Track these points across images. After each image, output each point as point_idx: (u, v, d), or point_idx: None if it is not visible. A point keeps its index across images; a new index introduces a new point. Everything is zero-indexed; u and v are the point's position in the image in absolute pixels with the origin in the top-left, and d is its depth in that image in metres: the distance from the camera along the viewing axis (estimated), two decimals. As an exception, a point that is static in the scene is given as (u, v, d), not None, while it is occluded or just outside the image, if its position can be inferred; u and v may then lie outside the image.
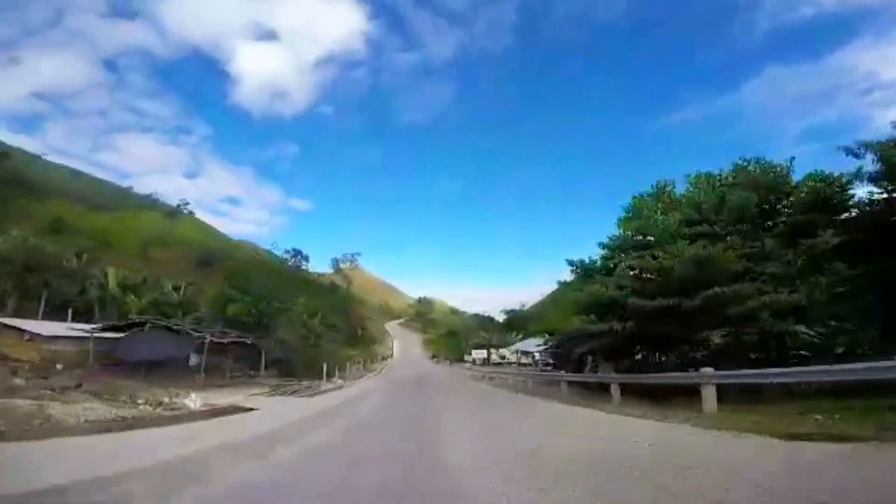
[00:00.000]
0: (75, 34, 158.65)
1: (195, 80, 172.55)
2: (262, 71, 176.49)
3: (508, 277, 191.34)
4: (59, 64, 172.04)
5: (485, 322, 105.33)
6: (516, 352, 51.93)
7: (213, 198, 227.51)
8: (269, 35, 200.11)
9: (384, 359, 70.62)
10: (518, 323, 69.68)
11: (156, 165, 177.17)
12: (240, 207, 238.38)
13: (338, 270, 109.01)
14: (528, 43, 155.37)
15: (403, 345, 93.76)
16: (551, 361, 32.06)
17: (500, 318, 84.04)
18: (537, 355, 39.21)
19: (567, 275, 24.04)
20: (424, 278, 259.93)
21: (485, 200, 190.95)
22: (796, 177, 16.13)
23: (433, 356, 75.23)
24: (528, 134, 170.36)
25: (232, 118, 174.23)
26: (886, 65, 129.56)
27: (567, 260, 22.18)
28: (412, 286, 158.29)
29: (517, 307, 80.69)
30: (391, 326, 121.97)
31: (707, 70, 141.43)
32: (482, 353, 56.86)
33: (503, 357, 53.62)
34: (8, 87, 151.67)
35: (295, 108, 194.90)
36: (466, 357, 59.33)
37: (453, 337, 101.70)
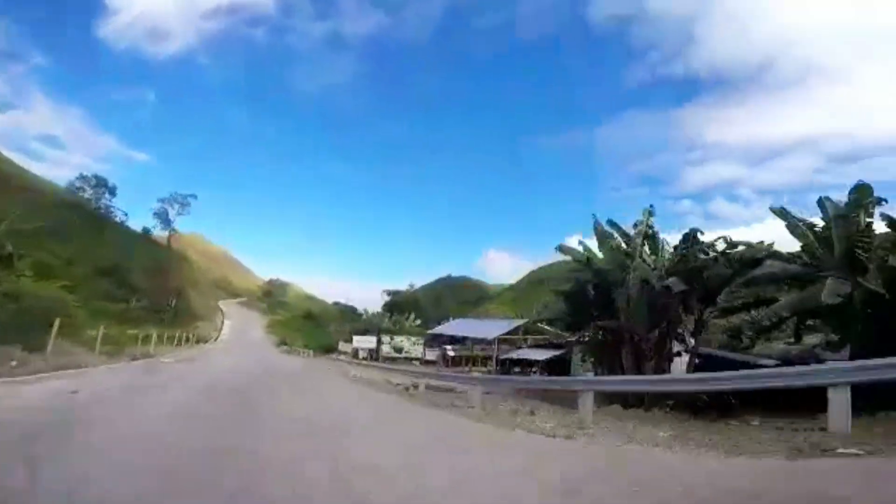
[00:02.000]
0: None
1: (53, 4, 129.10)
2: (146, 8, 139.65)
3: (375, 273, 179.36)
4: None
5: (347, 312, 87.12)
6: (420, 343, 36.37)
7: (26, 134, 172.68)
8: None
9: (200, 342, 47.62)
10: (406, 308, 53.05)
11: None
12: (61, 151, 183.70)
13: (162, 218, 78.51)
14: (447, 44, 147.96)
15: (240, 326, 69.55)
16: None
17: (381, 299, 66.33)
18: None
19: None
20: (281, 261, 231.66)
21: (367, 192, 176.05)
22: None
23: (283, 342, 54.02)
24: (423, 139, 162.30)
25: (81, 51, 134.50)
26: (708, 128, 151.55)
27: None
28: (265, 267, 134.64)
29: (405, 288, 64.54)
30: (228, 304, 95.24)
31: (585, 103, 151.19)
32: (369, 342, 39.31)
33: (400, 350, 37.16)
34: None
35: (167, 53, 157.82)
36: (343, 345, 41.01)
37: (311, 320, 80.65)
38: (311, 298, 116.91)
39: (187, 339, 42.85)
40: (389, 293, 64.75)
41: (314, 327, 73.88)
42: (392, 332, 42.15)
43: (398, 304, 56.24)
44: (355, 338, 41.36)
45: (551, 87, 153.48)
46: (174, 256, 77.01)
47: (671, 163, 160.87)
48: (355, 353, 36.52)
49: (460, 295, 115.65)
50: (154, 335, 30.89)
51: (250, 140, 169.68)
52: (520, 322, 40.12)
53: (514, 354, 33.96)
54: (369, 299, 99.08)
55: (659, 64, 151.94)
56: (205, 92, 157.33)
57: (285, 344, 51.45)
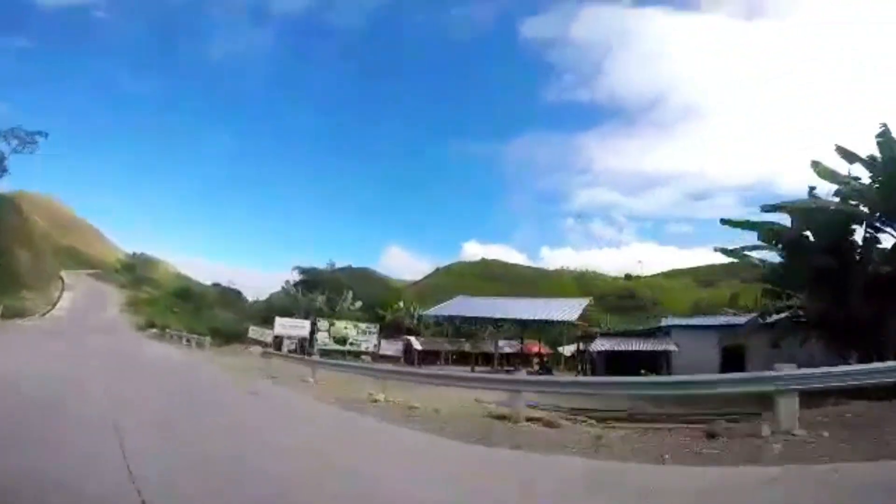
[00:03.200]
0: None
1: None
2: None
3: (262, 261, 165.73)
4: None
5: (231, 296, 72.91)
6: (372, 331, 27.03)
7: None
8: None
9: (15, 317, 32.76)
10: (328, 290, 42.13)
11: None
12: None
13: None
14: (375, 36, 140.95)
15: (87, 301, 52.49)
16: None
17: (288, 277, 54.21)
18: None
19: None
20: (150, 235, 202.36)
21: (259, 174, 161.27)
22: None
23: (151, 325, 39.44)
24: (329, 128, 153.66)
25: None
26: (596, 154, 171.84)
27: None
28: (126, 238, 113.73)
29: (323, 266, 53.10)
30: (77, 275, 75.12)
31: (497, 116, 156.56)
32: (299, 327, 28.45)
33: (344, 340, 27.23)
34: None
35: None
36: (254, 331, 28.94)
37: (187, 300, 64.95)
38: (184, 278, 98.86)
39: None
40: (302, 270, 53.02)
41: (195, 308, 59.07)
42: (330, 317, 32.29)
43: (316, 285, 45.09)
44: (279, 321, 29.01)
45: (469, 94, 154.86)
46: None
47: (564, 182, 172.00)
48: (278, 344, 25.52)
49: (364, 286, 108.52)
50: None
51: (132, 101, 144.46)
52: (585, 301, 32.41)
53: (600, 346, 26.57)
54: (256, 286, 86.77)
55: (570, 88, 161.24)
56: (92, 46, 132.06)
57: (154, 327, 37.69)
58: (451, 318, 33.68)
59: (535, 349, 38.47)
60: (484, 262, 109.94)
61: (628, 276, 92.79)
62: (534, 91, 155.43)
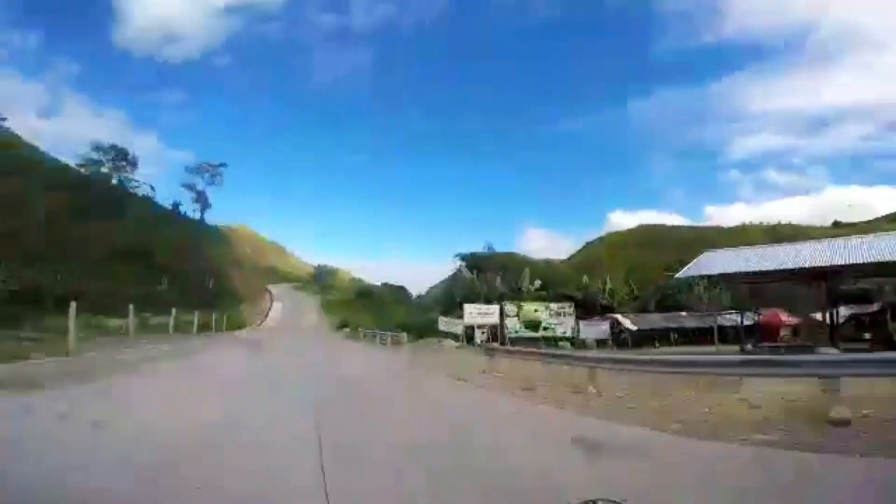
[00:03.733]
0: None
1: (72, 9, 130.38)
2: (158, 11, 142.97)
3: (412, 255, 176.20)
4: None
5: (397, 292, 74.97)
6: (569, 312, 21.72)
7: (75, 141, 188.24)
8: None
9: (239, 328, 36.06)
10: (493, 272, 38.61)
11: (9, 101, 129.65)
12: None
13: (192, 189, 67.47)
14: (456, 30, 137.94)
15: (292, 307, 58.27)
16: None
17: (452, 265, 52.36)
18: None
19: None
20: (324, 248, 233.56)
21: (391, 175, 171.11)
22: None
23: (343, 325, 41.35)
24: (441, 120, 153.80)
25: (108, 56, 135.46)
26: (749, 99, 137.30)
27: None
28: (310, 254, 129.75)
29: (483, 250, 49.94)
30: (279, 288, 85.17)
31: (607, 80, 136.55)
32: (487, 314, 24.25)
33: (536, 325, 22.44)
34: None
35: (187, 53, 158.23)
36: (443, 325, 25.54)
37: (367, 298, 68.56)
38: (358, 281, 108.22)
39: (206, 326, 31.10)
40: (462, 256, 50.35)
41: (375, 306, 61.76)
42: (513, 300, 26.60)
43: (481, 269, 41.90)
44: (468, 308, 24.26)
45: (572, 66, 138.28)
46: (212, 234, 66.44)
47: (715, 134, 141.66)
48: (468, 336, 22.63)
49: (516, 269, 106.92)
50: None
51: (282, 134, 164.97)
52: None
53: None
54: (415, 280, 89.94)
55: (686, 37, 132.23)
56: (228, 90, 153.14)
57: (346, 326, 38.84)
58: (722, 278, 24.23)
59: (781, 319, 28.46)
60: (642, 228, 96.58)
61: (837, 224, 71.81)
62: (644, 48, 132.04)
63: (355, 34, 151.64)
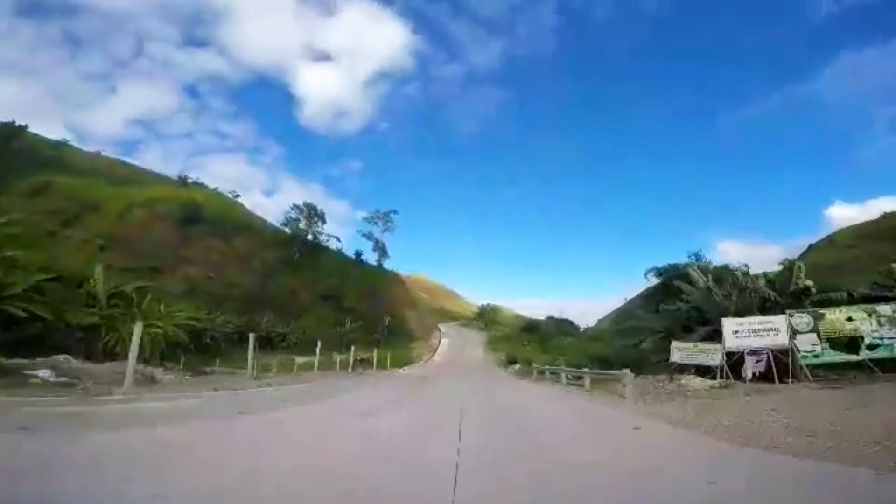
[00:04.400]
0: (157, 63, 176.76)
1: (266, 103, 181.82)
2: (321, 91, 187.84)
3: (575, 289, 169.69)
4: (149, 91, 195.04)
5: (564, 325, 70.50)
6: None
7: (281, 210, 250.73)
8: (323, 56, 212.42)
9: (405, 365, 36.73)
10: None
11: (238, 185, 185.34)
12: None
13: (368, 237, 75.56)
14: (573, 44, 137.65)
15: (458, 343, 58.99)
16: None
17: (618, 300, 46.63)
18: None
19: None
20: (488, 288, 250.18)
21: (545, 208, 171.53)
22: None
23: (512, 361, 38.85)
24: (584, 138, 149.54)
25: (300, 137, 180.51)
26: None
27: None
28: (475, 295, 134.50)
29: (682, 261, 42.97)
30: (447, 326, 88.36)
31: (772, 59, 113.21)
32: (766, 331, 14.42)
33: (862, 342, 14.16)
34: (110, 115, 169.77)
35: (355, 125, 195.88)
36: (680, 354, 18.06)
37: (533, 332, 65.81)
38: (521, 317, 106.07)
39: (360, 361, 32.24)
40: (659, 271, 44.24)
41: (541, 339, 58.65)
42: (789, 307, 16.10)
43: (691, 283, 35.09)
44: (730, 324, 15.25)
45: (721, 48, 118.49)
46: (388, 278, 72.70)
47: None
48: (732, 367, 14.48)
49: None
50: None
51: (433, 182, 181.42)
52: None
53: None
54: (580, 315, 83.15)
55: None
56: (391, 151, 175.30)
57: (515, 362, 36.59)
58: None
59: None
60: (890, 216, 73.15)
61: None
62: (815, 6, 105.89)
63: (480, 76, 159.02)
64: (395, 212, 76.94)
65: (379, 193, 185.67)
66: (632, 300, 72.06)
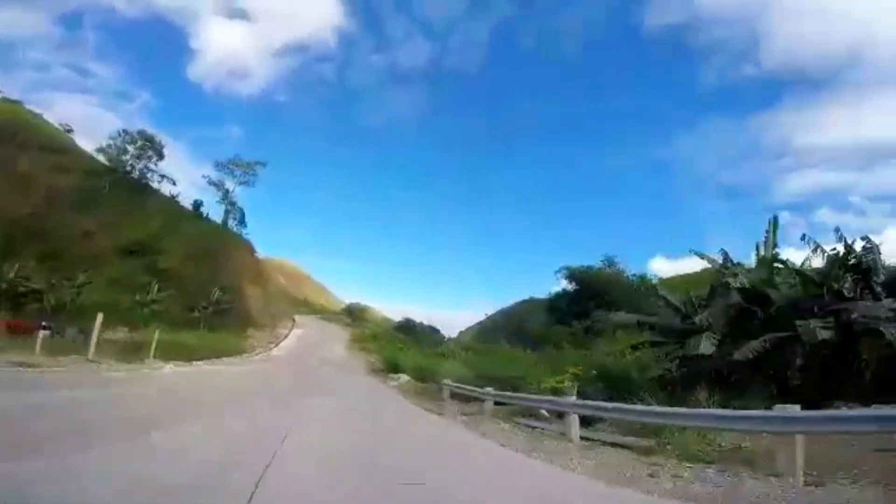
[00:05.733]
0: None
1: (151, 46, 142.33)
2: (224, 48, 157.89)
3: (441, 300, 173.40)
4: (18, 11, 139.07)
5: (431, 332, 62.92)
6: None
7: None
8: (240, 14, 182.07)
9: (225, 356, 23.08)
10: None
11: (83, 126, 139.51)
12: (168, 184, 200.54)
13: (218, 187, 57.30)
14: (499, 67, 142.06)
15: (313, 338, 45.27)
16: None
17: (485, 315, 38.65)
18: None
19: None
20: (358, 287, 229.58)
21: (431, 219, 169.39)
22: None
23: (393, 368, 24.54)
24: (487, 160, 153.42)
25: (178, 91, 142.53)
26: (799, 131, 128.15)
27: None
28: (344, 293, 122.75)
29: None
30: (305, 318, 73.50)
31: (650, 117, 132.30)
32: None
33: None
34: None
35: (250, 90, 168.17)
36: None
37: (409, 334, 55.56)
38: (390, 320, 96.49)
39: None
40: (569, 273, 37.08)
41: (416, 342, 48.19)
42: None
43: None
44: None
45: (610, 101, 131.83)
46: (232, 242, 55.43)
47: (758, 172, 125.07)
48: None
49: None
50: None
51: (324, 169, 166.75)
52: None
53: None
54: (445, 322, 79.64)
55: (727, 68, 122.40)
56: (284, 127, 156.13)
57: (398, 371, 23.87)
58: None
59: None
60: (700, 273, 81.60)
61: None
62: (682, 83, 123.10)
63: (402, 75, 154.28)
64: (262, 164, 60.56)
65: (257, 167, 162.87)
66: (491, 316, 73.84)
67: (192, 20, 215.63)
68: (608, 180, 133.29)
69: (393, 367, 24.52)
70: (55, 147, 53.71)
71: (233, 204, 57.79)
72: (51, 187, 47.16)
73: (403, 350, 34.24)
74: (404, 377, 20.94)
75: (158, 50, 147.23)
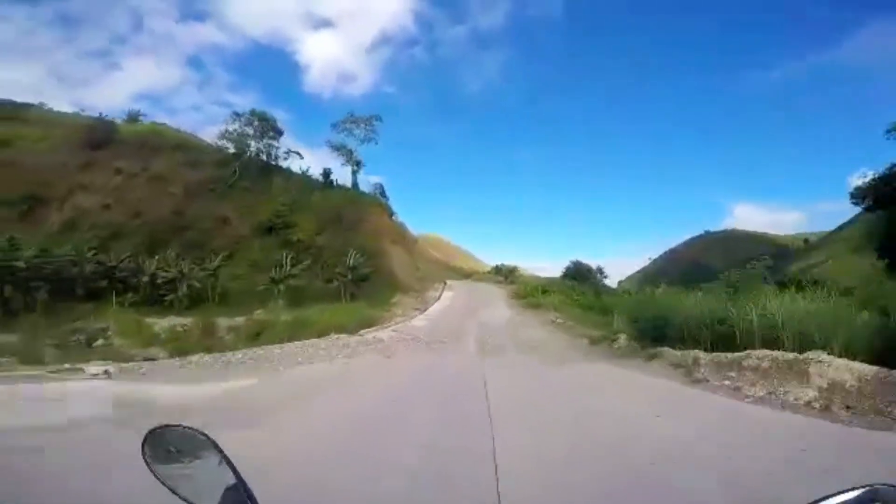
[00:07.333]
0: (158, 37, 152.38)
1: (270, 72, 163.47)
2: (325, 56, 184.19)
3: (584, 252, 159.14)
4: (152, 66, 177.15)
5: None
6: None
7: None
8: (324, 23, 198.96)
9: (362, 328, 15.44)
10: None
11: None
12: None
13: (341, 151, 51.77)
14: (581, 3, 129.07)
15: (467, 300, 36.79)
16: None
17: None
18: None
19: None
20: (502, 249, 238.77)
21: (554, 169, 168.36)
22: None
23: (662, 327, 12.31)
24: (595, 98, 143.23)
25: (307, 103, 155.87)
26: None
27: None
28: (488, 256, 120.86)
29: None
30: (458, 282, 66.85)
31: (798, 24, 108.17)
32: None
33: None
34: (114, 91, 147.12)
35: (361, 89, 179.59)
36: None
37: (583, 281, 44.70)
38: (538, 277, 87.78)
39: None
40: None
41: (595, 292, 36.92)
42: None
43: None
44: None
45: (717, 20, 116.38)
46: (363, 202, 49.96)
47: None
48: None
49: (735, 250, 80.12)
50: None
51: (441, 145, 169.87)
52: None
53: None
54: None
55: None
56: (399, 115, 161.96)
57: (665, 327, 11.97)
58: None
59: None
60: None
61: None
62: None
63: (489, 37, 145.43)
64: (378, 118, 53.85)
65: (386, 158, 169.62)
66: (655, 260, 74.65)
67: (289, 40, 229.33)
68: (761, 95, 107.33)
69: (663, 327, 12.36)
70: (188, 146, 53.96)
71: (358, 163, 52.31)
72: (188, 182, 46.77)
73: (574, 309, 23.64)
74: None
75: (275, 72, 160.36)
